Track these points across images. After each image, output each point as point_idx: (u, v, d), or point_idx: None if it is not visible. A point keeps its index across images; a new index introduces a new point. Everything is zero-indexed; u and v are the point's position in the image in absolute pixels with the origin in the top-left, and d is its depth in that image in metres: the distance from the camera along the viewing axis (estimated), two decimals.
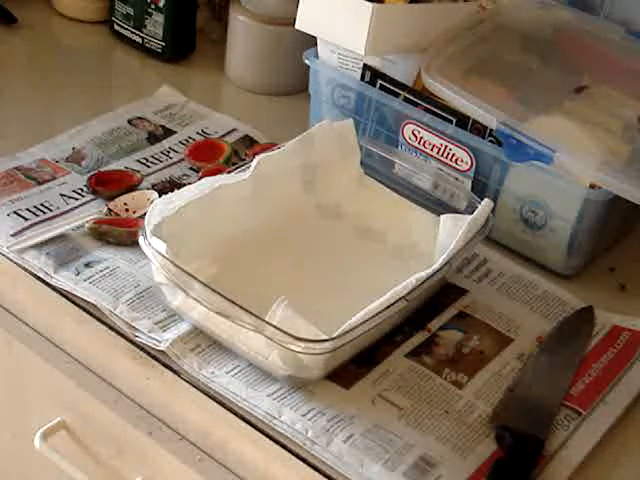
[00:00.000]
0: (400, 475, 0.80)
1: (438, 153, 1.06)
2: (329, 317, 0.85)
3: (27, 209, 1.01)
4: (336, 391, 0.86)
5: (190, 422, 0.86)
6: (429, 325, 0.94)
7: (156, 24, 1.30)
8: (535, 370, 0.91)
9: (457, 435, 0.84)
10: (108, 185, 1.06)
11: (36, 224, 1.00)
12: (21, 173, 1.07)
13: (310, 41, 1.12)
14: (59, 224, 0.99)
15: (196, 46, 1.34)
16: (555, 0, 1.17)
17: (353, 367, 0.88)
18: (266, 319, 0.82)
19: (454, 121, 1.04)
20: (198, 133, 1.18)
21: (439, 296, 0.97)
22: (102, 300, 0.92)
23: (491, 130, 1.01)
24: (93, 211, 1.02)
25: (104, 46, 1.35)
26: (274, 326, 0.82)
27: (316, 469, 0.81)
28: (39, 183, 1.06)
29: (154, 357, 0.89)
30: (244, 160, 1.07)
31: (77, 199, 1.04)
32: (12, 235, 0.98)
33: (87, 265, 0.96)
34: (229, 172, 0.99)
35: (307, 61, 1.13)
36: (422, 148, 1.07)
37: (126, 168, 1.10)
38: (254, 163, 0.99)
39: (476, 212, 0.96)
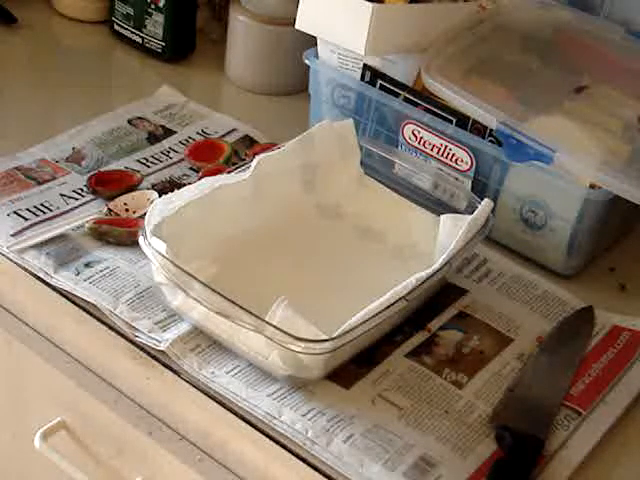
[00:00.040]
0: (400, 475, 0.80)
1: (438, 153, 1.06)
2: (329, 317, 0.85)
3: (27, 209, 1.01)
4: (336, 391, 0.86)
5: (190, 422, 0.86)
6: (429, 325, 0.94)
7: (156, 24, 1.30)
8: (535, 370, 0.91)
9: (457, 435, 0.84)
10: (108, 185, 1.06)
11: (36, 224, 1.00)
12: (21, 173, 1.07)
13: (310, 41, 1.12)
14: (59, 224, 0.99)
15: (196, 46, 1.34)
16: (555, 0, 1.17)
17: (353, 367, 0.88)
18: (266, 319, 0.82)
19: (454, 121, 1.04)
20: (198, 133, 1.18)
21: (439, 296, 0.97)
22: (102, 300, 0.92)
23: (491, 130, 1.01)
24: (93, 211, 1.02)
25: (104, 46, 1.35)
26: (274, 326, 0.82)
27: (316, 469, 0.81)
28: (39, 183, 1.06)
29: (154, 357, 0.89)
30: (244, 160, 1.07)
31: (77, 199, 1.04)
32: (12, 235, 0.98)
33: (87, 265, 0.96)
34: (229, 172, 0.99)
35: (307, 61, 1.13)
36: (422, 148, 1.07)
37: (126, 168, 1.10)
38: (254, 163, 0.99)
39: (476, 212, 0.96)
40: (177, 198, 0.94)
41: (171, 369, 0.88)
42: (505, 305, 0.98)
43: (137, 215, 1.02)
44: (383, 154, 1.07)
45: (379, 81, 1.09)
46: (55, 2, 1.39)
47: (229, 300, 0.83)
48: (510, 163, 1.01)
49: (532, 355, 0.93)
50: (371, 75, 1.09)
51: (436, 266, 0.91)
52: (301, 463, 0.81)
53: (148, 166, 1.11)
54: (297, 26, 1.09)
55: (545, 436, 0.85)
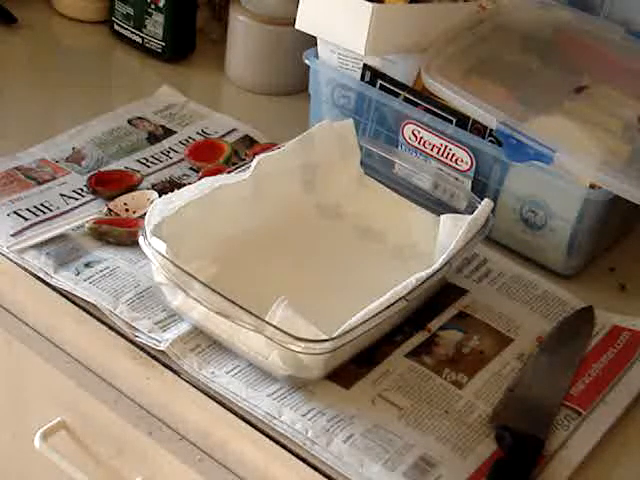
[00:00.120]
0: (400, 475, 0.80)
1: (438, 153, 1.06)
2: (329, 317, 0.85)
3: (27, 209, 1.01)
4: (336, 391, 0.86)
5: (190, 422, 0.86)
6: (429, 325, 0.94)
7: (156, 24, 1.30)
8: (535, 370, 0.91)
9: (457, 435, 0.84)
10: (108, 185, 1.06)
11: (36, 224, 1.00)
12: (21, 173, 1.07)
13: (310, 41, 1.12)
14: (59, 224, 0.99)
15: (196, 46, 1.34)
16: (555, 0, 1.17)
17: (353, 367, 0.88)
18: (266, 319, 0.82)
19: (454, 121, 1.04)
20: (198, 133, 1.18)
21: (439, 296, 0.97)
22: (102, 300, 0.92)
23: (491, 130, 1.01)
24: (93, 211, 1.02)
25: (104, 46, 1.35)
26: (274, 326, 0.82)
27: (316, 469, 0.81)
28: (39, 183, 1.06)
29: (154, 357, 0.89)
30: (244, 160, 1.07)
31: (77, 199, 1.04)
32: (12, 235, 0.98)
33: (87, 265, 0.96)
34: (229, 172, 0.99)
35: (307, 61, 1.13)
36: (422, 148, 1.07)
37: (126, 168, 1.10)
38: (254, 163, 0.99)
39: (476, 212, 0.96)
40: (177, 198, 0.94)
41: (171, 369, 0.88)
42: (505, 305, 0.98)
43: (137, 215, 1.02)
44: (383, 154, 1.07)
45: (379, 81, 1.09)
46: (55, 2, 1.39)
47: (229, 300, 0.83)
48: (510, 163, 1.01)
49: (532, 355, 0.93)
50: (371, 75, 1.09)
51: (436, 266, 0.91)
52: (301, 463, 0.81)
53: (148, 166, 1.11)
54: (297, 26, 1.09)
55: (545, 436, 0.85)
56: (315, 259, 0.99)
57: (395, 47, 1.08)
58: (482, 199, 0.98)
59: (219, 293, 0.84)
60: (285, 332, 0.81)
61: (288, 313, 0.83)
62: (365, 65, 1.09)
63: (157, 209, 0.92)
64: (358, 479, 0.80)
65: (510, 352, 0.93)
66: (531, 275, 1.02)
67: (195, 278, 0.85)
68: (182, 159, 1.12)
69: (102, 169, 1.09)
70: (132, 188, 1.06)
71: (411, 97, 1.07)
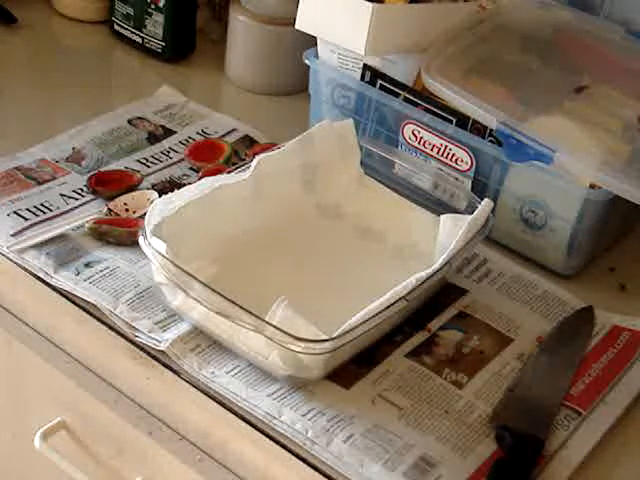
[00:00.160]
0: (400, 475, 0.80)
1: (438, 153, 1.06)
2: (329, 317, 0.85)
3: (27, 209, 1.01)
4: (336, 391, 0.86)
5: (190, 422, 0.86)
6: (429, 325, 0.94)
7: (156, 24, 1.30)
8: (535, 370, 0.91)
9: (457, 435, 0.84)
10: (108, 185, 1.06)
11: (36, 224, 1.00)
12: (21, 173, 1.07)
13: (310, 41, 1.12)
14: (59, 224, 0.99)
15: (196, 46, 1.34)
16: (555, 0, 1.17)
17: (353, 367, 0.88)
18: (266, 319, 0.82)
19: (454, 121, 1.04)
20: (198, 133, 1.18)
21: (439, 296, 0.97)
22: (102, 300, 0.92)
23: (491, 130, 1.01)
24: (93, 211, 1.02)
25: (104, 46, 1.35)
26: (274, 326, 0.82)
27: (316, 469, 0.81)
28: (39, 183, 1.06)
29: (154, 357, 0.89)
30: (244, 160, 1.07)
31: (77, 199, 1.04)
32: (12, 235, 0.98)
33: (87, 265, 0.96)
34: (229, 172, 0.99)
35: (307, 61, 1.13)
36: (422, 148, 1.07)
37: (126, 168, 1.10)
38: (254, 163, 0.99)
39: (476, 212, 0.96)
40: (177, 198, 0.94)
41: (171, 369, 0.88)
42: (505, 305, 0.98)
43: (137, 215, 1.02)
44: (383, 154, 1.07)
45: (379, 81, 1.09)
46: (55, 2, 1.39)
47: (229, 300, 0.83)
48: (510, 163, 1.01)
49: (532, 355, 0.93)
50: (371, 75, 1.09)
51: (436, 266, 0.91)
52: (301, 463, 0.81)
53: (148, 166, 1.11)
54: (297, 26, 1.09)
55: (545, 436, 0.85)
56: (315, 259, 0.99)
57: (395, 47, 1.08)
58: (482, 199, 0.98)
59: (219, 293, 0.84)
60: (285, 332, 0.81)
61: (288, 313, 0.83)
62: (365, 65, 1.09)
63: (157, 209, 0.92)
64: (358, 479, 0.80)
65: (510, 352, 0.93)
66: (531, 275, 1.02)
67: (195, 278, 0.85)
68: (182, 159, 1.12)
69: (102, 169, 1.09)
70: (132, 188, 1.06)
71: (411, 97, 1.07)
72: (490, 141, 1.03)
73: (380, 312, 0.85)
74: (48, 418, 0.93)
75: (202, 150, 1.13)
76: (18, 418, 1.00)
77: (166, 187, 1.07)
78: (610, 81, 1.08)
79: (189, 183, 1.02)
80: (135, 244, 0.91)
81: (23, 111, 1.19)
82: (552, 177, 0.99)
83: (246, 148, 1.15)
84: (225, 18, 1.30)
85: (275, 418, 0.83)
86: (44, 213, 1.01)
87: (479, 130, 1.03)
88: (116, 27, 1.34)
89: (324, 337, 0.82)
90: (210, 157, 1.11)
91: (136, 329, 0.90)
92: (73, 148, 1.12)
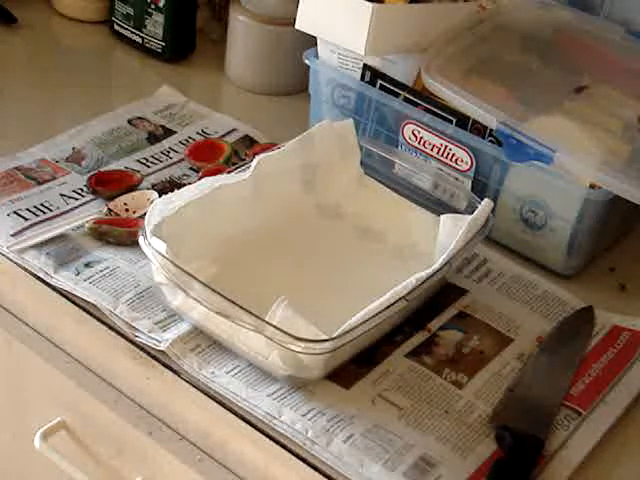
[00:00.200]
0: (400, 475, 0.80)
1: (438, 153, 1.06)
2: (329, 317, 0.85)
3: (27, 209, 1.01)
4: (336, 391, 0.86)
5: (190, 422, 0.86)
6: (429, 325, 0.94)
7: (156, 24, 1.30)
8: (535, 370, 0.91)
9: (457, 435, 0.84)
10: (108, 185, 1.06)
11: (36, 224, 1.00)
12: (21, 173, 1.07)
13: (310, 41, 1.12)
14: (59, 224, 0.99)
15: (196, 46, 1.34)
16: (555, 0, 1.17)
17: (353, 367, 0.88)
18: (266, 319, 0.82)
19: (454, 121, 1.04)
20: (198, 133, 1.18)
21: (439, 296, 0.97)
22: (102, 300, 0.92)
23: (491, 130, 1.01)
24: (93, 211, 1.02)
25: (104, 46, 1.35)
26: (274, 326, 0.82)
27: (316, 469, 0.81)
28: (39, 183, 1.06)
29: (154, 357, 0.89)
30: (244, 160, 1.07)
31: (77, 199, 1.04)
32: (12, 235, 0.98)
33: (87, 265, 0.96)
34: (229, 172, 0.99)
35: (307, 61, 1.13)
36: (422, 148, 1.07)
37: (126, 168, 1.10)
38: (254, 163, 0.99)
39: (476, 212, 0.96)
40: (177, 198, 0.94)
41: (171, 369, 0.88)
42: (505, 305, 0.98)
43: (137, 215, 1.02)
44: (383, 154, 1.07)
45: (379, 81, 1.09)
46: (55, 2, 1.39)
47: (229, 300, 0.83)
48: (510, 163, 1.01)
49: (532, 355, 0.93)
50: (371, 75, 1.09)
51: (436, 266, 0.91)
52: (301, 463, 0.81)
53: (148, 166, 1.11)
54: (297, 26, 1.09)
55: (545, 436, 0.85)
56: (315, 259, 0.99)
57: (395, 47, 1.08)
58: (482, 199, 0.98)
59: (219, 293, 0.84)
60: (285, 332, 0.81)
61: (288, 313, 0.83)
62: (365, 65, 1.09)
63: (157, 209, 0.92)
64: (358, 479, 0.80)
65: (510, 352, 0.93)
66: (531, 275, 1.02)
67: (195, 278, 0.85)
68: (182, 159, 1.12)
69: (102, 169, 1.09)
70: (132, 188, 1.06)
71: (411, 97, 1.07)
72: (490, 141, 1.03)
73: (380, 312, 0.85)
74: (48, 418, 0.93)
75: (202, 150, 1.13)
76: (18, 418, 1.00)
77: (166, 187, 1.07)
78: (610, 81, 1.08)
79: (189, 183, 1.02)
80: (135, 244, 0.91)
81: (23, 111, 1.19)
82: (552, 177, 0.99)
83: (246, 148, 1.15)
84: (225, 18, 1.30)
85: (275, 418, 0.83)
86: (44, 213, 1.01)
87: (479, 130, 1.03)
88: (116, 27, 1.34)
89: (324, 337, 0.82)
90: (210, 157, 1.11)
91: (136, 329, 0.90)
92: (73, 148, 1.12)
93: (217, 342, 0.89)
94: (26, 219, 1.00)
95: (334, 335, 0.82)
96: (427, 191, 1.05)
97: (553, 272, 1.04)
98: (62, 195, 1.04)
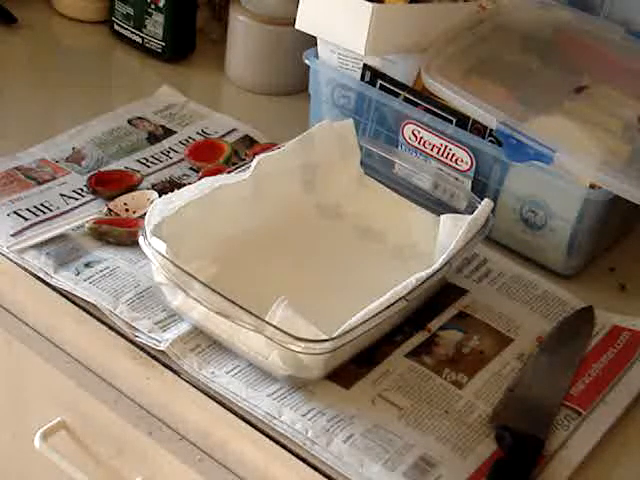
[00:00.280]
0: (400, 475, 0.80)
1: (438, 153, 1.06)
2: (329, 317, 0.85)
3: (27, 209, 1.01)
4: (336, 391, 0.86)
5: (190, 422, 0.86)
6: (429, 325, 0.94)
7: (156, 24, 1.30)
8: (535, 370, 0.91)
9: (457, 435, 0.84)
10: (108, 185, 1.06)
11: (36, 224, 1.00)
12: (21, 173, 1.07)
13: (310, 41, 1.12)
14: (59, 224, 0.99)
15: (196, 46, 1.34)
16: (555, 0, 1.17)
17: (353, 367, 0.88)
18: (266, 319, 0.82)
19: (454, 121, 1.04)
20: (198, 133, 1.18)
21: (439, 296, 0.97)
22: (102, 300, 0.92)
23: (491, 130, 1.01)
24: (93, 211, 1.02)
25: (104, 46, 1.35)
26: (274, 326, 0.82)
27: (316, 469, 0.81)
28: (39, 183, 1.06)
29: (154, 357, 0.89)
30: (244, 160, 1.07)
31: (77, 199, 1.04)
32: (12, 235, 0.98)
33: (87, 265, 0.96)
34: (229, 172, 0.99)
35: (307, 61, 1.13)
36: (422, 148, 1.07)
37: (126, 168, 1.10)
38: (254, 163, 0.99)
39: (476, 212, 0.96)
40: (177, 198, 0.94)
41: (171, 369, 0.88)
42: (505, 305, 0.98)
43: (137, 215, 1.02)
44: (383, 154, 1.07)
45: (379, 81, 1.09)
46: (55, 2, 1.39)
47: (229, 300, 0.83)
48: (510, 163, 1.01)
49: (532, 355, 0.93)
50: (371, 75, 1.09)
51: (436, 266, 0.91)
52: (301, 463, 0.81)
53: (148, 166, 1.11)
54: (297, 26, 1.09)
55: (545, 436, 0.85)
56: (315, 259, 0.99)
57: (395, 47, 1.08)
58: (482, 199, 0.98)
59: (219, 293, 0.84)
60: (285, 332, 0.81)
61: (288, 313, 0.83)
62: (365, 65, 1.09)
63: (157, 209, 0.92)
64: (358, 479, 0.80)
65: (510, 352, 0.93)
66: (531, 275, 1.02)
67: (195, 278, 0.85)
68: (182, 159, 1.12)
69: (102, 169, 1.09)
70: (132, 188, 1.06)
71: (411, 97, 1.07)
72: (490, 141, 1.03)
73: (380, 312, 0.85)
74: (48, 418, 0.93)
75: (202, 150, 1.13)
76: (18, 418, 1.00)
77: (166, 187, 1.07)
78: (610, 81, 1.08)
79: (189, 183, 1.02)
80: (135, 244, 0.91)
81: (23, 111, 1.19)
82: (552, 177, 0.99)
83: (246, 148, 1.15)
84: (225, 18, 1.30)
85: (275, 418, 0.83)
86: (44, 213, 1.01)
87: (479, 130, 1.03)
88: (116, 27, 1.34)
89: (324, 337, 0.82)
90: (210, 157, 1.11)
91: (136, 329, 0.90)
92: (73, 148, 1.12)
93: (217, 342, 0.89)
94: (26, 219, 1.00)
95: (334, 335, 0.82)
96: (427, 191, 1.05)
97: (553, 272, 1.04)
98: (62, 195, 1.04)
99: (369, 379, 0.88)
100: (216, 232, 0.95)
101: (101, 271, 0.95)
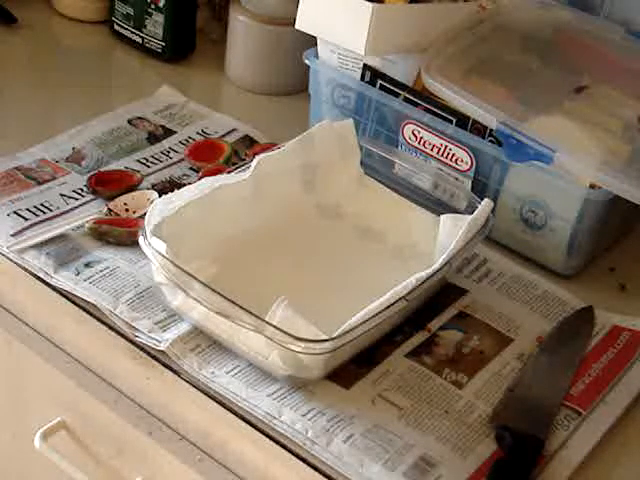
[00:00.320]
0: (400, 475, 0.80)
1: (438, 153, 1.06)
2: (329, 317, 0.85)
3: (27, 209, 1.01)
4: (336, 391, 0.86)
5: (190, 422, 0.86)
6: (429, 325, 0.94)
7: (156, 24, 1.30)
8: (535, 370, 0.91)
9: (457, 435, 0.84)
10: (108, 185, 1.06)
11: (36, 224, 1.00)
12: (21, 173, 1.07)
13: (310, 41, 1.12)
14: (59, 224, 0.99)
15: (196, 46, 1.34)
16: (555, 0, 1.17)
17: (353, 367, 0.88)
18: (266, 319, 0.82)
19: (454, 121, 1.04)
20: (198, 133, 1.18)
21: (439, 296, 0.97)
22: (102, 300, 0.92)
23: (491, 130, 1.01)
24: (93, 211, 1.02)
25: (104, 46, 1.35)
26: (274, 326, 0.82)
27: (316, 469, 0.81)
28: (39, 183, 1.06)
29: (154, 357, 0.89)
30: (244, 160, 1.07)
31: (77, 199, 1.04)
32: (12, 235, 0.98)
33: (87, 265, 0.96)
34: (229, 172, 0.99)
35: (307, 61, 1.13)
36: (422, 148, 1.07)
37: (126, 168, 1.10)
38: (254, 163, 0.99)
39: (476, 212, 0.96)
40: (177, 198, 0.94)
41: (171, 369, 0.88)
42: (505, 305, 0.98)
43: (137, 215, 1.02)
44: (383, 154, 1.07)
45: (379, 81, 1.09)
46: (55, 2, 1.39)
47: (229, 300, 0.83)
48: (510, 163, 1.01)
49: (532, 355, 0.93)
50: (371, 75, 1.09)
51: (436, 266, 0.91)
52: (301, 463, 0.81)
53: (148, 166, 1.11)
54: (297, 26, 1.09)
55: (545, 436, 0.85)
56: (315, 259, 0.99)
57: (395, 47, 1.08)
58: (482, 199, 0.98)
59: (219, 293, 0.84)
60: (285, 332, 0.81)
61: (288, 313, 0.83)
62: (365, 65, 1.09)
63: (157, 209, 0.92)
64: (358, 479, 0.80)
65: (510, 352, 0.93)
66: (531, 275, 1.02)
67: (195, 278, 0.85)
68: (182, 159, 1.12)
69: (102, 169, 1.09)
70: (132, 188, 1.06)
71: (411, 97, 1.07)
72: (490, 141, 1.03)
73: (380, 312, 0.85)
74: (48, 418, 0.93)
75: (202, 150, 1.13)
76: (18, 418, 1.00)
77: (166, 187, 1.07)
78: (610, 81, 1.08)
79: (189, 183, 1.02)
80: (135, 244, 0.91)
81: (23, 111, 1.19)
82: (552, 177, 0.99)
83: (246, 148, 1.15)
84: (225, 18, 1.30)
85: (275, 418, 0.83)
86: (44, 213, 1.01)
87: (479, 130, 1.03)
88: (116, 27, 1.34)
89: (324, 337, 0.82)
90: (210, 157, 1.11)
91: (136, 329, 0.90)
92: (73, 148, 1.12)
93: (217, 342, 0.89)
94: (26, 219, 1.00)
95: (334, 335, 0.82)
96: (427, 191, 1.05)
97: (553, 272, 1.04)
98: (62, 195, 1.04)
99: (369, 379, 0.88)
100: (216, 232, 0.95)
101: (101, 271, 0.95)
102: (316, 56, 1.13)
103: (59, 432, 0.93)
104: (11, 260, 0.96)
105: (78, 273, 0.94)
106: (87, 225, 0.99)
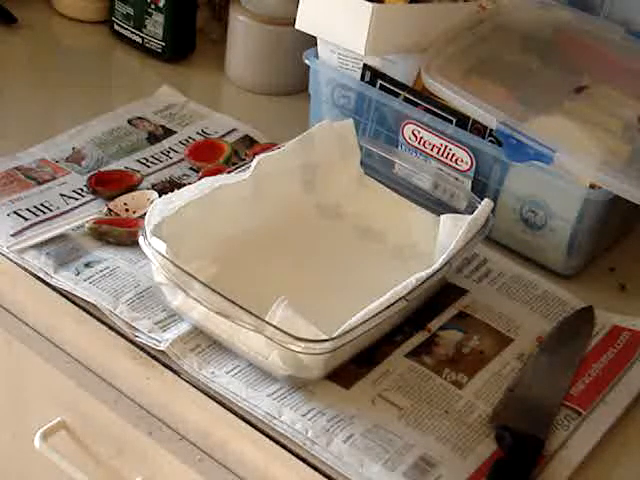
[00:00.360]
0: (400, 475, 0.80)
1: (438, 153, 1.06)
2: (329, 317, 0.85)
3: (27, 209, 1.01)
4: (336, 391, 0.86)
5: (190, 422, 0.86)
6: (429, 325, 0.94)
7: (156, 24, 1.30)
8: (535, 370, 0.91)
9: (457, 435, 0.84)
10: (108, 185, 1.06)
11: (36, 224, 1.00)
12: (21, 173, 1.07)
13: (310, 41, 1.12)
14: (59, 224, 0.99)
15: (196, 46, 1.34)
16: (555, 0, 1.17)
17: (353, 367, 0.88)
18: (266, 319, 0.82)
19: (454, 121, 1.04)
20: (198, 133, 1.18)
21: (439, 296, 0.97)
22: (102, 300, 0.92)
23: (491, 130, 1.01)
24: (93, 211, 1.02)
25: (104, 46, 1.35)
26: (274, 326, 0.82)
27: (316, 469, 0.81)
28: (39, 183, 1.06)
29: (154, 357, 0.89)
30: (244, 160, 1.07)
31: (77, 199, 1.04)
32: (12, 235, 0.98)
33: (87, 265, 0.96)
34: (229, 172, 0.99)
35: (307, 61, 1.13)
36: (422, 148, 1.07)
37: (126, 168, 1.10)
38: (254, 163, 0.99)
39: (476, 212, 0.96)
40: (177, 198, 0.94)
41: (171, 369, 0.88)
42: (505, 305, 0.98)
43: (137, 215, 1.02)
44: (383, 154, 1.07)
45: (379, 81, 1.09)
46: (55, 2, 1.39)
47: (229, 300, 0.83)
48: (510, 163, 1.01)
49: (532, 355, 0.93)
50: (371, 75, 1.09)
51: (436, 266, 0.91)
52: (301, 463, 0.81)
53: (148, 166, 1.11)
54: (297, 26, 1.09)
55: (545, 436, 0.85)
56: (315, 259, 0.99)
57: (395, 47, 1.08)
58: (482, 199, 0.98)
59: (219, 293, 0.84)
60: (285, 332, 0.81)
61: (288, 313, 0.83)
62: (365, 65, 1.09)
63: (157, 209, 0.92)
64: (358, 479, 0.80)
65: (510, 352, 0.93)
66: (531, 275, 1.02)
67: (195, 278, 0.85)
68: (182, 159, 1.12)
69: (102, 169, 1.09)
70: (132, 188, 1.06)
71: (411, 97, 1.07)
72: (490, 141, 1.03)
73: (380, 312, 0.85)
74: (48, 418, 0.93)
75: (202, 150, 1.13)
76: (18, 418, 1.00)
77: (166, 187, 1.07)
78: (610, 81, 1.08)
79: (189, 183, 1.02)
80: (135, 244, 0.91)
81: (23, 111, 1.19)
82: (552, 177, 0.99)
83: (246, 148, 1.15)
84: (225, 18, 1.30)
85: (275, 418, 0.83)
86: (44, 213, 1.01)
87: (479, 130, 1.03)
88: (116, 27, 1.34)
89: (324, 337, 0.82)
90: (210, 157, 1.11)
91: (136, 329, 0.90)
92: (73, 148, 1.12)
93: (217, 342, 0.89)
94: (26, 219, 1.00)
95: (334, 335, 0.82)
96: (427, 191, 1.05)
97: (553, 272, 1.04)
98: (62, 195, 1.04)
99: (369, 379, 0.88)
100: (216, 232, 0.95)
101: (101, 271, 0.95)
102: (316, 56, 1.13)
103: (59, 432, 0.93)
104: (11, 260, 0.96)
105: (78, 273, 0.94)
106: (87, 225, 0.99)
